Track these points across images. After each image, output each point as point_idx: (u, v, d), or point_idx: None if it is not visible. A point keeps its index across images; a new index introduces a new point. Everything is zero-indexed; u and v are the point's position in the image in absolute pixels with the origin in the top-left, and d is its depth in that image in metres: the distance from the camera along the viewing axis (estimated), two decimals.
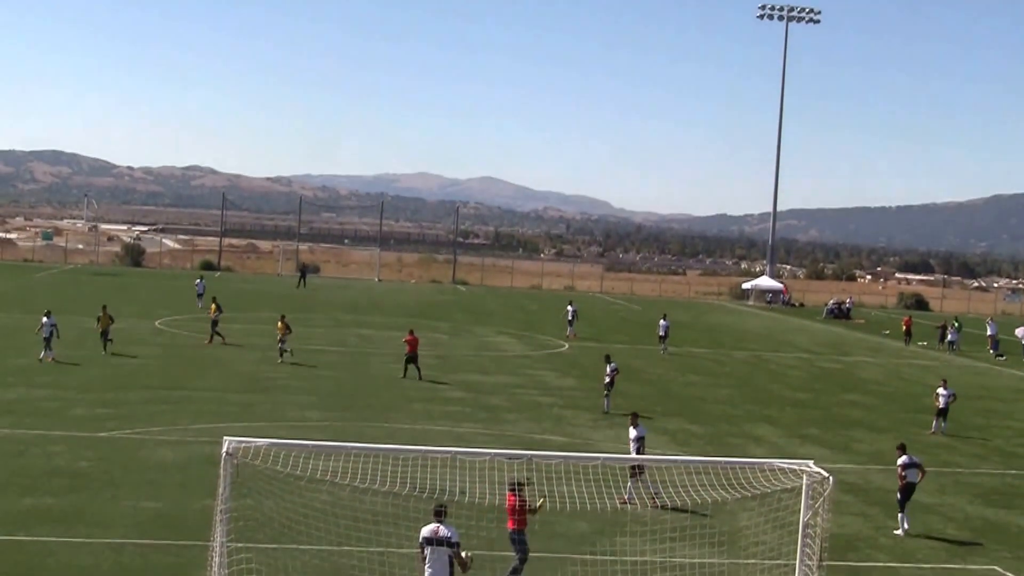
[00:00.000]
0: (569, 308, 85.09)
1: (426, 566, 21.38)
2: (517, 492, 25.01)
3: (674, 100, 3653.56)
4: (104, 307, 60.19)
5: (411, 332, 58.00)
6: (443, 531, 21.43)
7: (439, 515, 21.79)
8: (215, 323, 65.04)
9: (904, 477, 32.53)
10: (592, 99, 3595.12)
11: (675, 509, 27.88)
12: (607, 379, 49.93)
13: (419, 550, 21.65)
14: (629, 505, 31.17)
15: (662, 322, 76.46)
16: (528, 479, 26.24)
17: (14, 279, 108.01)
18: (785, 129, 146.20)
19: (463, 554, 21.70)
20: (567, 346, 75.34)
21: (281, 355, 58.89)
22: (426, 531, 21.52)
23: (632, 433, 33.69)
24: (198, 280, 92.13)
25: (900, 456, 32.99)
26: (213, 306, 66.28)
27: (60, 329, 55.72)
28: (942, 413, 49.37)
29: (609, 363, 50.62)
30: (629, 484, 31.96)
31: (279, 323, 59.95)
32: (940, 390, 49.64)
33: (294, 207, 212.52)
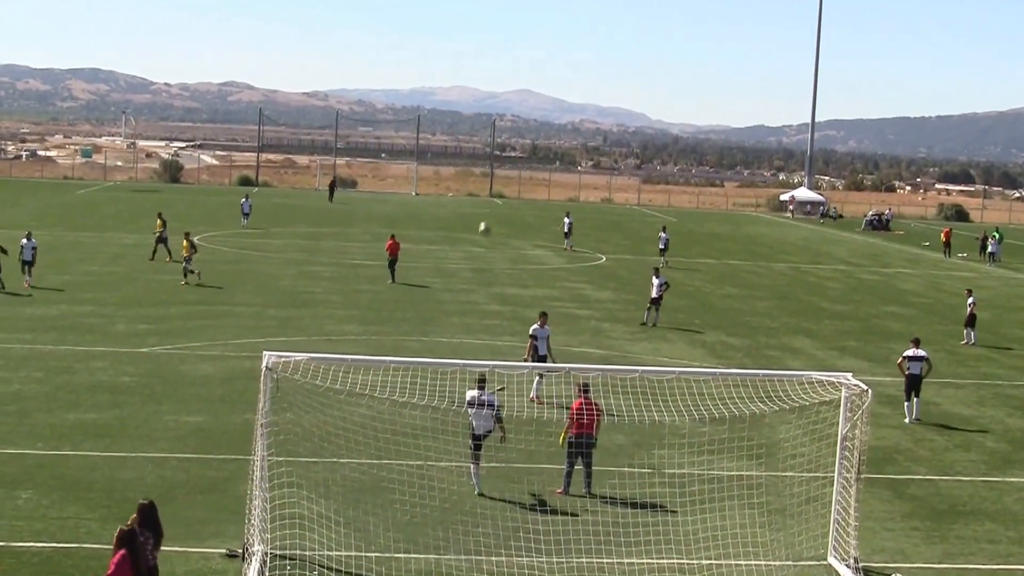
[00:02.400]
0: (566, 220, 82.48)
1: (474, 420, 25.11)
2: (585, 394, 25.33)
3: (711, 9, 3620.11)
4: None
5: (392, 237, 60.78)
6: (485, 397, 25.09)
7: (481, 384, 25.15)
8: (188, 260, 55.23)
9: (907, 368, 34.11)
10: (629, 9, 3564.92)
11: (713, 421, 27.93)
12: (655, 293, 49.61)
13: (465, 410, 25.21)
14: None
15: (662, 235, 75.32)
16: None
17: (55, 196, 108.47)
18: (824, 38, 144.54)
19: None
20: (604, 259, 75.24)
21: (185, 275, 54.40)
22: (470, 395, 25.08)
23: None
24: (244, 199, 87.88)
25: (909, 348, 34.62)
26: (186, 243, 55.67)
27: (98, 246, 55.24)
28: (971, 322, 49.25)
29: (657, 276, 50.36)
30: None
31: (184, 242, 55.46)
32: (970, 300, 49.58)
33: (331, 122, 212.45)
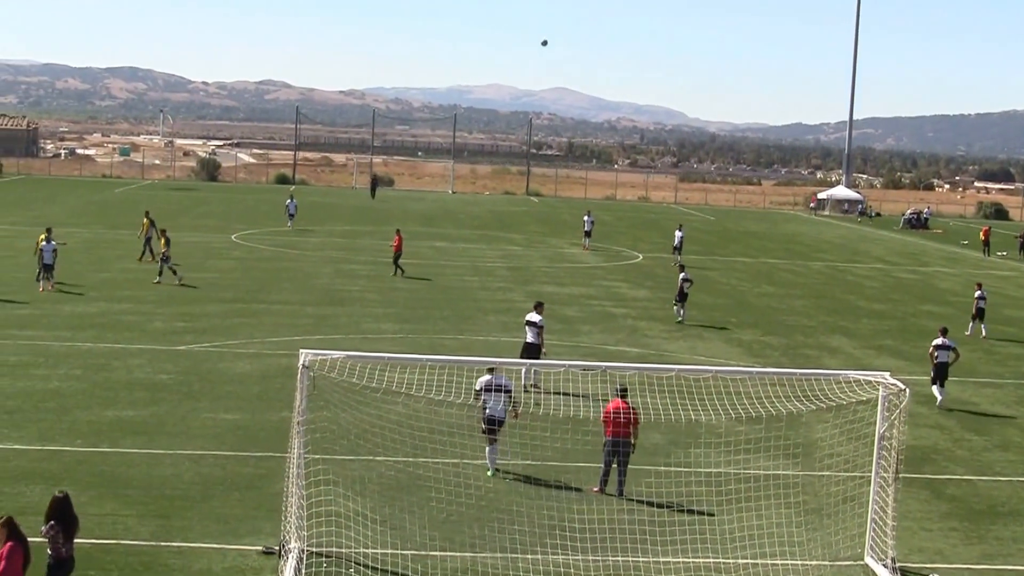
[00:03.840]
0: (586, 218, 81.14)
1: (486, 406, 25.72)
2: (622, 397, 25.33)
3: (750, 6, 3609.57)
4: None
5: (397, 232, 62.01)
6: (501, 381, 26.02)
7: (492, 371, 26.16)
8: (166, 258, 53.38)
9: (936, 357, 35.96)
10: (667, 7, 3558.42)
11: (750, 420, 27.87)
12: (679, 289, 49.80)
13: (475, 398, 25.80)
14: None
15: (678, 232, 73.63)
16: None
17: (94, 195, 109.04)
18: (862, 35, 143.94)
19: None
20: (640, 257, 75.14)
21: (160, 273, 52.84)
22: (482, 381, 25.98)
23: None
24: (289, 199, 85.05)
25: (938, 338, 36.40)
26: (163, 241, 54.02)
27: (136, 244, 54.45)
28: (979, 315, 50.46)
29: (681, 272, 50.69)
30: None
31: (161, 239, 54.26)
32: (976, 293, 50.63)
33: (368, 120, 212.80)
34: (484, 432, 25.97)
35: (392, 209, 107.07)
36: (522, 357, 34.66)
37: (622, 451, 25.12)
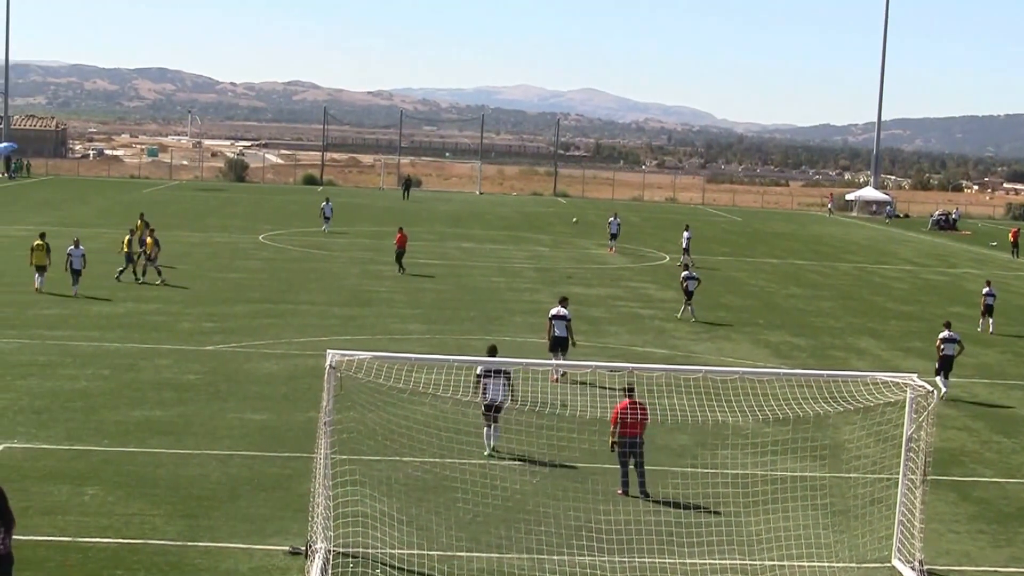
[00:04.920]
0: (611, 220, 79.86)
1: (487, 391, 26.60)
2: (630, 395, 25.35)
3: (777, 7, 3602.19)
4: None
5: (400, 230, 62.58)
6: (498, 365, 26.25)
7: (493, 353, 28.14)
8: (152, 258, 53.62)
9: (942, 350, 37.13)
10: (694, 8, 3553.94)
11: (777, 422, 27.80)
12: (690, 287, 50.23)
13: (475, 382, 26.77)
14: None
15: (685, 233, 72.28)
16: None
17: (122, 195, 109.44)
18: (890, 36, 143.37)
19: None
20: (668, 258, 75.00)
21: (144, 272, 53.11)
22: (481, 368, 26.39)
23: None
24: (325, 202, 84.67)
25: (943, 332, 37.41)
26: (150, 240, 53.84)
27: (164, 245, 54.27)
28: (987, 311, 51.64)
29: (684, 271, 51.92)
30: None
31: (148, 239, 53.71)
32: (984, 290, 52.01)
33: (395, 121, 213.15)
34: (484, 415, 27.19)
35: (420, 210, 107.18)
36: (552, 350, 35.69)
37: (636, 451, 25.17)
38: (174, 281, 52.93)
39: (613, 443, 25.30)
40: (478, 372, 26.89)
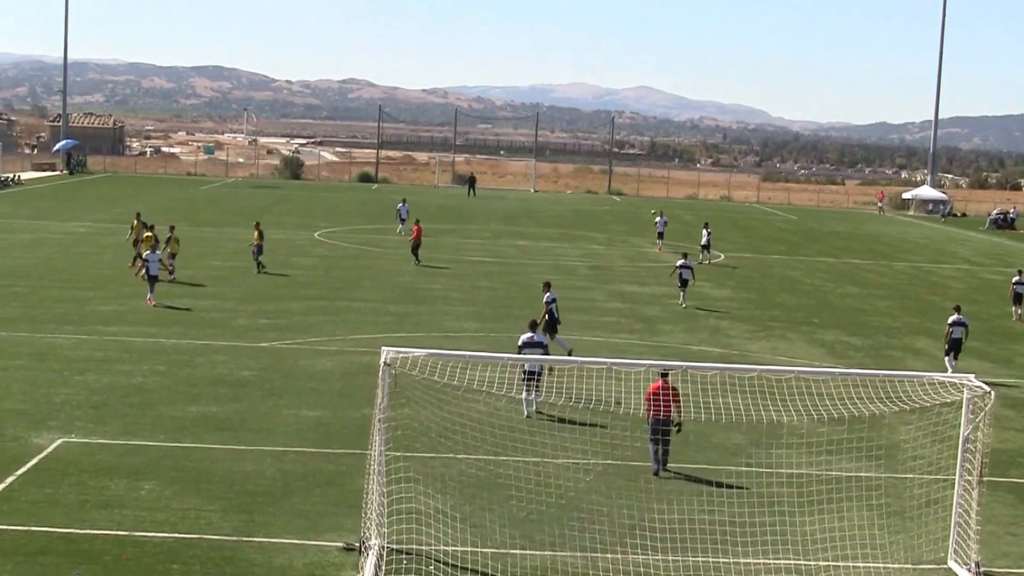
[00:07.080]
0: (658, 219, 78.59)
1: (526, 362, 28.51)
2: (664, 378, 26.07)
3: (834, 5, 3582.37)
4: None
5: (417, 222, 64.47)
6: (536, 338, 30.98)
7: (533, 327, 31.53)
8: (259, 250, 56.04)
9: (951, 333, 39.53)
10: (750, 5, 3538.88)
11: (832, 422, 27.63)
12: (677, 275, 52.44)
13: (518, 350, 30.37)
14: None
15: (705, 231, 71.43)
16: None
17: (179, 192, 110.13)
18: (948, 33, 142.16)
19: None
20: (722, 256, 74.68)
21: (136, 264, 52.05)
22: (524, 338, 30.92)
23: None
24: (401, 203, 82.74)
25: (952, 315, 40.08)
26: (149, 235, 52.42)
27: (220, 241, 54.70)
28: (1016, 300, 53.91)
29: (682, 259, 53.28)
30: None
31: (147, 234, 52.53)
32: (1014, 279, 54.32)
33: (450, 119, 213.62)
34: (523, 381, 29.55)
35: (474, 208, 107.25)
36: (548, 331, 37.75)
37: (664, 430, 25.89)
38: (228, 277, 53.16)
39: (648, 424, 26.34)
40: (520, 343, 30.98)
